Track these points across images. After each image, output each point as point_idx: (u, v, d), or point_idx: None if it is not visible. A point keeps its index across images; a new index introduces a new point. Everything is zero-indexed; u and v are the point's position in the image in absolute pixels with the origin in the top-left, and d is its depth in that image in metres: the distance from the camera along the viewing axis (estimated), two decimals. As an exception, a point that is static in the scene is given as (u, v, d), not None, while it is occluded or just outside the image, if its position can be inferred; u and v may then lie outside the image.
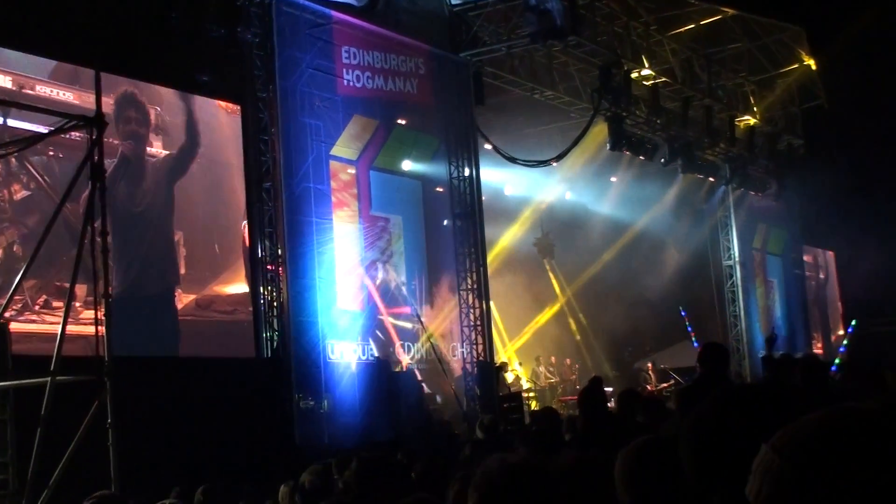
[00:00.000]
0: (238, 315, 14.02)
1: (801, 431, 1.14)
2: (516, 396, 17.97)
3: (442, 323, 17.37)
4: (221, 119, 14.54)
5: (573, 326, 25.61)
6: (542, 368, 22.32)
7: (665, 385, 21.74)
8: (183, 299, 13.56)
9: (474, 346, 17.36)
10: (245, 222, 14.30)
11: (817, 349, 28.18)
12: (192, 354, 13.13)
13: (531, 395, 20.91)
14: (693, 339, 25.69)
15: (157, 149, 13.62)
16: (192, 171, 14.01)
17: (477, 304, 17.48)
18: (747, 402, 1.51)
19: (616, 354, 25.40)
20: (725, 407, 1.52)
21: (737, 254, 25.50)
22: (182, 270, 13.64)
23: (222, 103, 14.45)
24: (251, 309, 14.20)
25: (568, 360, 23.52)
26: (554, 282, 25.65)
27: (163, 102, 13.77)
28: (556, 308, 25.34)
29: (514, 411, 16.70)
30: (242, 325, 14.17)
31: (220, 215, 14.28)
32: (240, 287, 14.23)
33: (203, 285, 13.78)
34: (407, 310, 16.65)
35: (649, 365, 23.05)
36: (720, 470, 1.44)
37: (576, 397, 21.64)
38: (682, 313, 26.61)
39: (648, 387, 21.80)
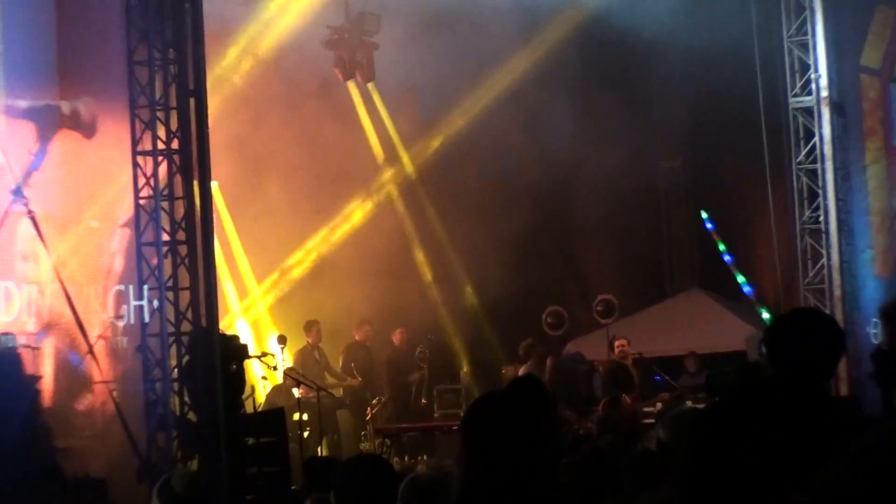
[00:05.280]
0: None
1: None
2: (274, 417, 18.88)
3: (89, 239, 18.47)
4: None
5: (417, 253, 27.06)
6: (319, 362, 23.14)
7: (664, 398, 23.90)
8: None
9: (168, 297, 18.18)
10: None
11: None
12: None
13: (303, 415, 22.24)
14: (742, 279, 27.15)
15: None
16: None
17: (180, 192, 18.27)
18: None
19: (519, 320, 26.88)
20: None
21: (825, 82, 27.31)
22: None
23: None
24: None
25: (399, 332, 25.20)
26: (372, 137, 26.87)
27: None
28: (372, 203, 26.74)
29: (267, 452, 17.39)
30: None
31: None
32: None
33: None
34: (6, 198, 17.54)
35: (622, 343, 24.98)
36: None
37: (418, 425, 22.10)
38: (707, 221, 27.89)
39: (626, 397, 23.59)
